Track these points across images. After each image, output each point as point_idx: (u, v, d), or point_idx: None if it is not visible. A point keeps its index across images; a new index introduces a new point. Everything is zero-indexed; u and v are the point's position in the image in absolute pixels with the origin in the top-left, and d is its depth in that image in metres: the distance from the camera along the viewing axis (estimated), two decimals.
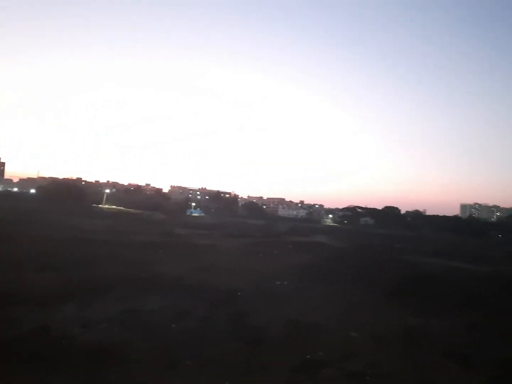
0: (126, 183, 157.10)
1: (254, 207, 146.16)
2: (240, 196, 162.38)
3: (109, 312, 15.73)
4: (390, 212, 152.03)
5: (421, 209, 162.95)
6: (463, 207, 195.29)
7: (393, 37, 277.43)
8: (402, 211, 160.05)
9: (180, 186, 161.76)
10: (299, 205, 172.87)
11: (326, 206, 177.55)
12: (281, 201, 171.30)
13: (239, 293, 20.63)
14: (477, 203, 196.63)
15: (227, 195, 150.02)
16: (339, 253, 40.26)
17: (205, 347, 13.10)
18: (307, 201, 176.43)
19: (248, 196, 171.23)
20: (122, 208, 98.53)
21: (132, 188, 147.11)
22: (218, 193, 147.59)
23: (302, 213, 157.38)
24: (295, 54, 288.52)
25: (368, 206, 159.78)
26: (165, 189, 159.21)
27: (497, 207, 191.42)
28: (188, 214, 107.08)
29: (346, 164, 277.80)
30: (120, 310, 16.07)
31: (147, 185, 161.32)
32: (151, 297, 18.57)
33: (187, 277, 23.13)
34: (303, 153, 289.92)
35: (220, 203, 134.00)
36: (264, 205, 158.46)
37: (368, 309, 19.98)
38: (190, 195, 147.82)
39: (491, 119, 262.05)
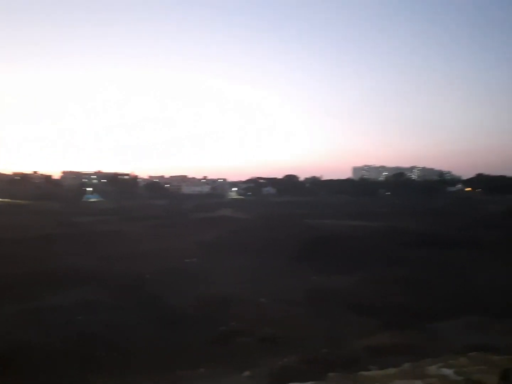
0: (10, 172, 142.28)
1: (156, 186, 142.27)
2: (140, 177, 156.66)
3: (6, 314, 14.31)
4: (290, 180, 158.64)
5: (318, 175, 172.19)
6: (355, 169, 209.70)
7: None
8: (301, 179, 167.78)
9: (72, 171, 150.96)
10: (203, 181, 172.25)
11: (230, 179, 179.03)
12: (184, 178, 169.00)
13: (147, 276, 20.23)
14: (366, 165, 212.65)
15: (126, 177, 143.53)
16: (245, 224, 41.22)
17: (118, 334, 12.79)
18: (210, 176, 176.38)
19: (149, 176, 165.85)
20: (8, 200, 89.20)
21: (17, 178, 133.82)
22: (115, 175, 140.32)
23: (206, 188, 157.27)
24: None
25: (270, 177, 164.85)
26: (56, 176, 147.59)
27: (383, 167, 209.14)
28: (84, 200, 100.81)
29: (245, 137, 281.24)
30: (19, 310, 14.71)
31: (35, 172, 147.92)
32: (56, 292, 17.34)
33: (92, 268, 21.96)
34: (202, 128, 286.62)
35: (119, 185, 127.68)
36: (166, 184, 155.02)
37: (276, 275, 20.91)
38: (85, 180, 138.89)
39: (375, 83, 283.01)
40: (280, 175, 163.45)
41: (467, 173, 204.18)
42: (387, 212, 55.90)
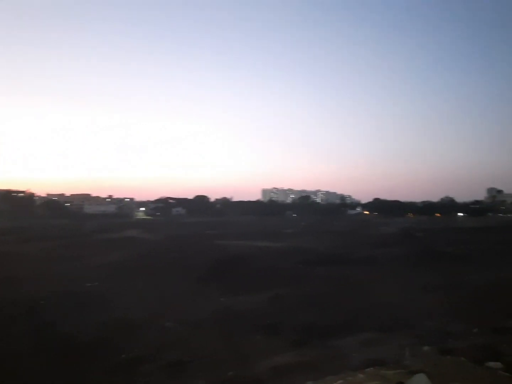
0: None
1: (55, 205, 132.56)
2: (37, 194, 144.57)
3: None
4: (201, 201, 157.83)
5: (228, 196, 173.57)
6: (264, 192, 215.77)
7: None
8: (212, 199, 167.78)
9: None
10: (108, 200, 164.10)
11: (137, 199, 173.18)
12: (86, 196, 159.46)
13: (42, 302, 18.60)
14: (275, 188, 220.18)
15: (21, 194, 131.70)
16: (152, 246, 40.06)
17: (6, 366, 11.45)
18: (116, 195, 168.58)
19: (47, 194, 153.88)
20: None
21: None
22: (9, 192, 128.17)
23: (112, 208, 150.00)
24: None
25: (180, 197, 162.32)
26: None
27: (291, 190, 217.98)
28: None
29: (155, 155, 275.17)
30: None
31: None
32: None
33: None
34: (108, 143, 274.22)
35: (13, 203, 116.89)
36: (67, 202, 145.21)
37: (183, 297, 20.49)
38: None
39: (284, 108, 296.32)
40: (190, 196, 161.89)
41: (365, 198, 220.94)
42: (293, 232, 58.16)
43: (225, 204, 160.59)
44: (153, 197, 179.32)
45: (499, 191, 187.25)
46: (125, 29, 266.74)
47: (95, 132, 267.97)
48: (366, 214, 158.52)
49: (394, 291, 20.85)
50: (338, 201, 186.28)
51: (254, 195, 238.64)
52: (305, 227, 71.85)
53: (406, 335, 14.13)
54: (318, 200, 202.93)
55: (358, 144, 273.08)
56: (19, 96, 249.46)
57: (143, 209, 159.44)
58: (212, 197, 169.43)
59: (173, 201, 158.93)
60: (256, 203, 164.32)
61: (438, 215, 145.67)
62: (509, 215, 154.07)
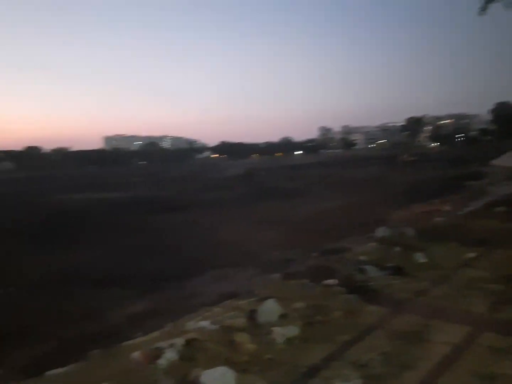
0: None
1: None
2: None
3: None
4: (32, 152, 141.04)
5: (66, 146, 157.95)
6: (106, 139, 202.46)
7: None
8: (47, 150, 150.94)
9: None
10: None
11: None
12: None
13: None
14: (118, 135, 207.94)
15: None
16: None
17: None
18: None
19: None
20: None
21: None
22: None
23: None
24: None
25: (6, 149, 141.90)
26: None
27: (135, 137, 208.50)
28: None
29: None
30: None
31: None
32: None
33: None
34: None
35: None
36: None
37: (10, 259, 18.24)
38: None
39: (124, 47, 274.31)
40: (19, 147, 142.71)
41: (213, 141, 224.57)
42: (138, 181, 56.12)
43: (63, 155, 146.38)
44: None
45: (329, 129, 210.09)
46: None
47: None
48: (215, 157, 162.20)
49: (233, 230, 21.69)
50: (186, 146, 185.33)
51: (96, 144, 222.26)
52: (150, 174, 69.76)
53: (252, 267, 14.81)
54: (166, 146, 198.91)
55: (202, 87, 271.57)
56: None
57: None
58: (46, 147, 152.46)
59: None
60: (98, 151, 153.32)
61: (280, 154, 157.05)
62: (336, 150, 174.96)
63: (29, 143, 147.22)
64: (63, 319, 12.15)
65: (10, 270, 17.05)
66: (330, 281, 8.69)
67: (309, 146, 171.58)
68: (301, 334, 6.42)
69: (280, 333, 6.33)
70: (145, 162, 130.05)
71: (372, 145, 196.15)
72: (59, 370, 5.94)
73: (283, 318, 6.89)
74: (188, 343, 5.98)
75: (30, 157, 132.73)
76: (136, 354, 5.78)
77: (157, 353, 5.74)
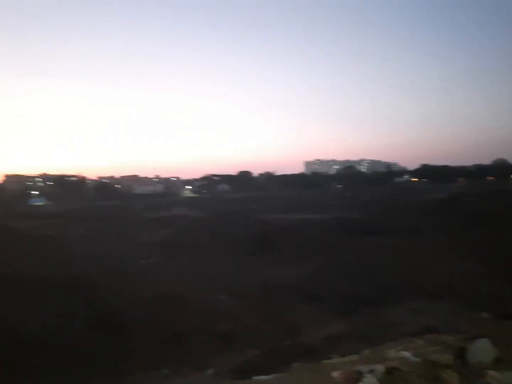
0: None
1: (106, 187, 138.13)
2: (88, 178, 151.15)
3: None
4: (244, 177, 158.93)
5: (271, 170, 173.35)
6: (307, 164, 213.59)
7: None
8: (255, 174, 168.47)
9: (15, 175, 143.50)
10: (155, 180, 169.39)
11: (183, 178, 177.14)
12: (135, 177, 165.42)
13: (96, 279, 19.24)
14: (317, 159, 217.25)
15: (73, 178, 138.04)
16: (199, 222, 41.02)
17: (60, 341, 11.93)
18: (163, 175, 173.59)
19: (98, 177, 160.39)
20: None
21: None
22: (62, 177, 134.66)
23: (159, 188, 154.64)
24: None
25: (223, 174, 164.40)
26: None
27: (334, 161, 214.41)
28: (29, 204, 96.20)
29: (198, 134, 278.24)
30: None
31: None
32: None
33: (33, 273, 20.05)
34: (154, 125, 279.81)
35: (66, 187, 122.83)
36: (117, 184, 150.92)
37: (230, 271, 20.96)
38: (29, 183, 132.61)
39: (323, 77, 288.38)
40: (234, 172, 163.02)
41: (413, 164, 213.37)
42: (337, 204, 57.59)
43: (268, 179, 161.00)
44: (198, 175, 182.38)
45: None
46: None
47: (139, 115, 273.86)
48: (414, 181, 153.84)
49: (433, 259, 20.60)
50: (383, 169, 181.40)
51: (297, 168, 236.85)
52: (350, 197, 70.87)
53: (454, 302, 14.02)
54: (363, 170, 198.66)
55: (401, 109, 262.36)
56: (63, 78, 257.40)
57: (189, 187, 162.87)
58: (255, 172, 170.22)
59: (217, 178, 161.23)
60: (299, 176, 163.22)
61: (491, 178, 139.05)
62: None
63: (241, 168, 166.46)
64: (266, 328, 13.57)
65: (224, 280, 19.29)
66: None
67: None
68: None
69: (496, 378, 5.90)
70: (341, 186, 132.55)
71: None
72: (265, 376, 6.36)
73: (499, 362, 6.43)
74: (389, 371, 5.80)
75: (242, 181, 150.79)
76: (336, 374, 5.87)
77: (357, 376, 5.90)
